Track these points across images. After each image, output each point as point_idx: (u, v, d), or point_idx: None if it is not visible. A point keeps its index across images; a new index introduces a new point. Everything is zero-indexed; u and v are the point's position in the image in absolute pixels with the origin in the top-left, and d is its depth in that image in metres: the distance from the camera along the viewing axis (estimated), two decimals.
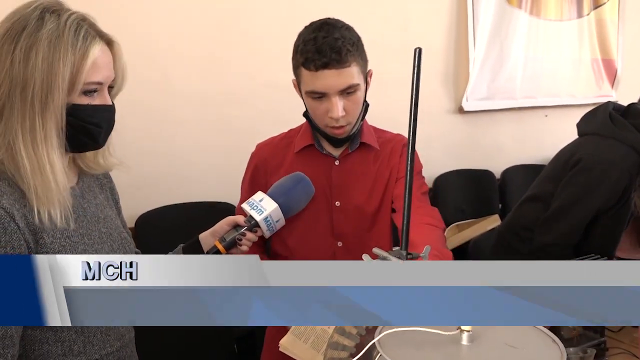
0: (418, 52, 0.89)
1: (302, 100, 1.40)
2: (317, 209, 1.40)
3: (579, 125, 1.99)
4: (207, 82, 2.60)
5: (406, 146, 1.46)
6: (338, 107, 1.28)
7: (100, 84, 1.00)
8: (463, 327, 0.77)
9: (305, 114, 1.43)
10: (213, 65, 2.60)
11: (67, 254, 0.98)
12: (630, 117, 1.87)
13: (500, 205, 3.46)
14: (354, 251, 1.34)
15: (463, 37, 3.38)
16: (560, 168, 1.89)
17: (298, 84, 1.36)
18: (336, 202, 1.41)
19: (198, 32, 2.55)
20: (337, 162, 1.42)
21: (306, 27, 1.33)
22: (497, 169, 3.57)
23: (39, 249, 0.96)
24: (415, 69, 0.89)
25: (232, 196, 2.61)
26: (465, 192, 3.39)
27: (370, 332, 1.23)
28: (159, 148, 2.52)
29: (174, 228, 2.44)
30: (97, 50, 0.98)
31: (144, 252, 2.56)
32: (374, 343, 0.77)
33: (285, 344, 1.24)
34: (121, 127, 1.09)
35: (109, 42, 1.03)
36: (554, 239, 1.81)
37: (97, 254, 1.04)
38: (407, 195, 0.93)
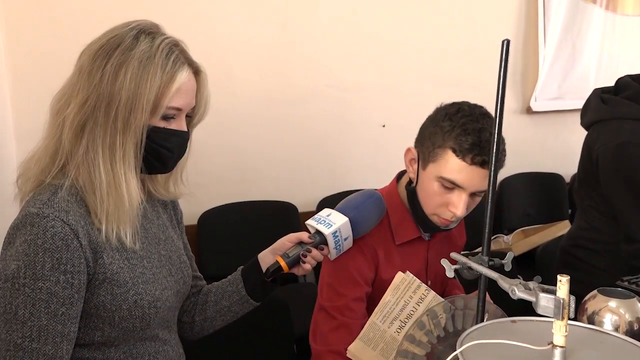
0: (506, 45, 0.85)
1: (413, 174, 1.28)
2: None
3: (581, 122, 1.90)
4: (270, 81, 2.60)
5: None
6: (464, 205, 1.20)
7: (179, 110, 0.99)
8: (556, 342, 0.71)
9: (410, 192, 1.30)
10: (276, 65, 2.61)
11: (125, 275, 0.98)
12: (621, 91, 1.79)
13: (570, 211, 3.30)
14: None
15: (533, 34, 3.24)
16: (586, 170, 1.81)
17: (425, 160, 1.24)
18: (429, 282, 1.37)
19: (261, 33, 2.56)
20: (430, 244, 1.38)
21: (459, 109, 1.20)
22: (568, 173, 3.40)
23: (98, 269, 0.96)
24: (503, 62, 0.84)
25: (294, 196, 2.61)
26: (533, 196, 3.25)
27: (442, 341, 1.17)
28: (222, 147, 2.54)
29: (236, 226, 2.45)
30: (184, 77, 0.97)
31: (206, 250, 2.58)
32: (457, 354, 0.71)
33: (354, 350, 1.20)
34: None
35: (196, 71, 1.02)
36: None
37: (155, 277, 1.03)
38: (490, 196, 0.88)
